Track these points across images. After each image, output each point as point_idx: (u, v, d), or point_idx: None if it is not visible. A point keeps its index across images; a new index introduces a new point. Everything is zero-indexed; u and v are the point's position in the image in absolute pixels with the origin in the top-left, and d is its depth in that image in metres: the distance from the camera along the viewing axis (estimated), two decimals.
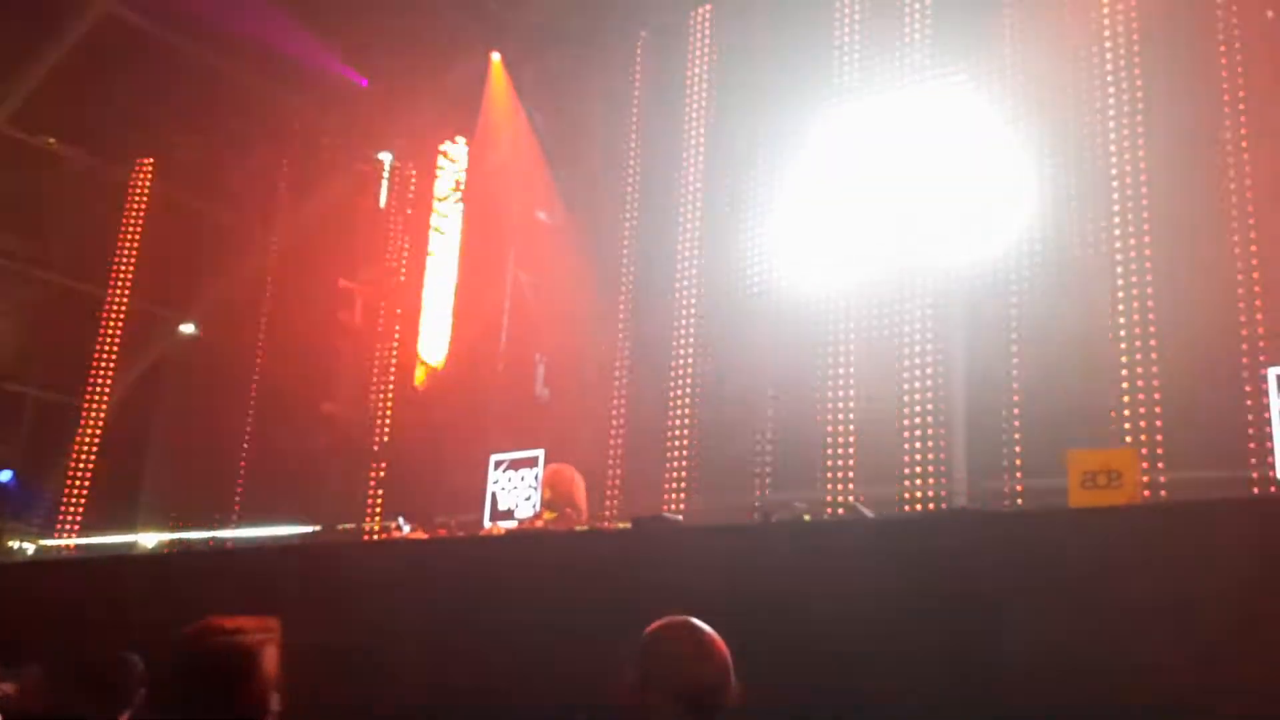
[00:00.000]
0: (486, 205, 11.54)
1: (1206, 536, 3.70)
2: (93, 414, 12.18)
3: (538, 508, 7.45)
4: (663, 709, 2.44)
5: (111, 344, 12.39)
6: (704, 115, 10.23)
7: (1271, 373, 6.67)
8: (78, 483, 11.92)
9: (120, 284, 12.52)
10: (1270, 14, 7.82)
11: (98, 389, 12.27)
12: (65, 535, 11.68)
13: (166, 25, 11.31)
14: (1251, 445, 6.87)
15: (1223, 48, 7.83)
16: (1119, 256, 7.71)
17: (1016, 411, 7.89)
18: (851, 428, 8.64)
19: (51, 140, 12.27)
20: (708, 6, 10.40)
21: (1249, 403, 6.98)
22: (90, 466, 11.98)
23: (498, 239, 11.51)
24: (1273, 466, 6.63)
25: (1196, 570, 3.57)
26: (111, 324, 12.43)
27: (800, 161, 9.54)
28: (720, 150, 10.06)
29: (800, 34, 9.68)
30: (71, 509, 11.80)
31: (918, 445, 8.26)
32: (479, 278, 11.56)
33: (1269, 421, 6.60)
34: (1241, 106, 7.68)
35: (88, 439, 12.09)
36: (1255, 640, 3.39)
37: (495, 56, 11.43)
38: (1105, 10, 8.15)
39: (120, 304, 12.50)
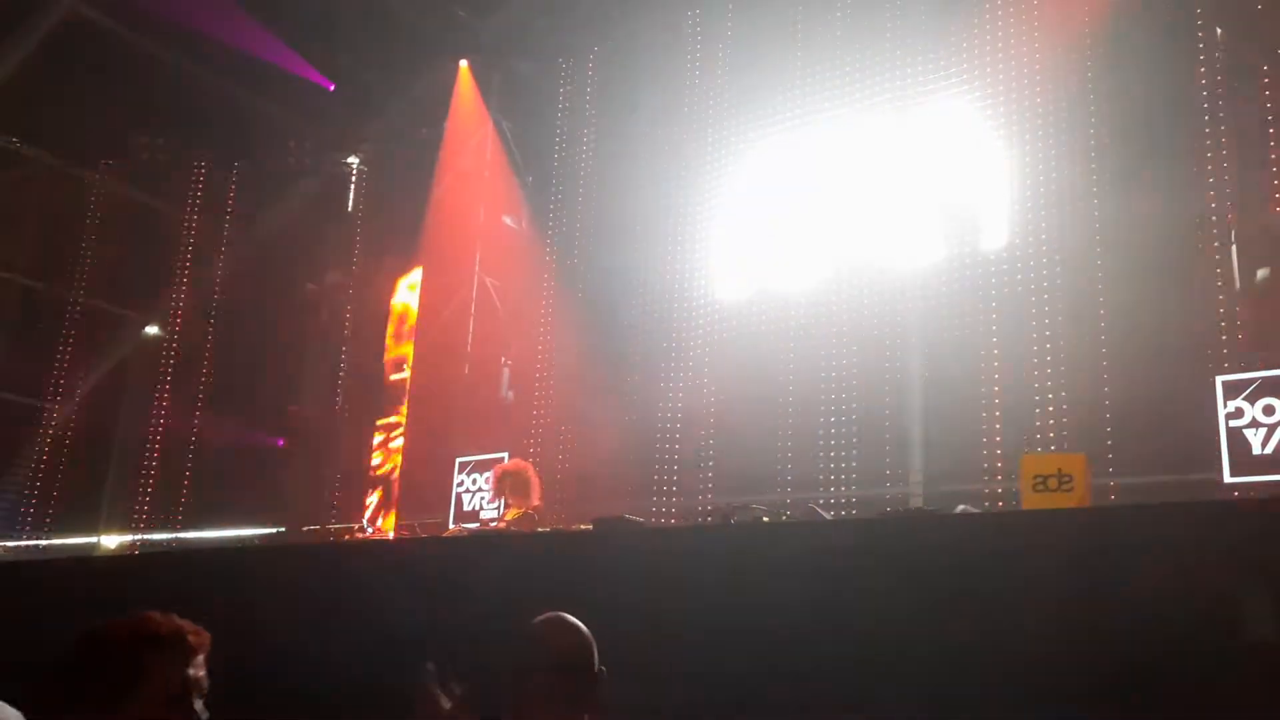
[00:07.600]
0: (454, 210, 11.57)
1: (1155, 540, 3.81)
2: (59, 415, 12.06)
3: (489, 500, 7.42)
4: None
5: (73, 344, 12.25)
6: (658, 126, 10.27)
7: (1219, 380, 6.86)
8: (45, 483, 11.78)
9: (85, 285, 12.41)
10: (1220, 31, 8.01)
11: (64, 390, 12.16)
12: (32, 536, 11.54)
13: (133, 26, 11.22)
14: (1200, 452, 7.01)
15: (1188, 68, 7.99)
16: (1071, 264, 7.87)
17: (972, 416, 8.02)
18: (812, 431, 8.73)
19: (14, 141, 12.16)
20: (669, 16, 10.46)
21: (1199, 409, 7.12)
22: (61, 467, 11.84)
23: (464, 243, 11.55)
24: (1220, 472, 6.78)
25: (1145, 571, 3.67)
26: (76, 325, 12.32)
27: (755, 170, 9.66)
28: (676, 161, 10.11)
29: (757, 46, 9.78)
30: (38, 509, 11.68)
31: (874, 449, 8.39)
32: (446, 282, 11.58)
33: (1217, 428, 6.79)
34: (1205, 118, 7.83)
35: (55, 440, 11.96)
36: (1201, 641, 3.50)
37: (463, 63, 11.48)
38: (1074, 17, 8.29)
39: (85, 304, 12.39)
